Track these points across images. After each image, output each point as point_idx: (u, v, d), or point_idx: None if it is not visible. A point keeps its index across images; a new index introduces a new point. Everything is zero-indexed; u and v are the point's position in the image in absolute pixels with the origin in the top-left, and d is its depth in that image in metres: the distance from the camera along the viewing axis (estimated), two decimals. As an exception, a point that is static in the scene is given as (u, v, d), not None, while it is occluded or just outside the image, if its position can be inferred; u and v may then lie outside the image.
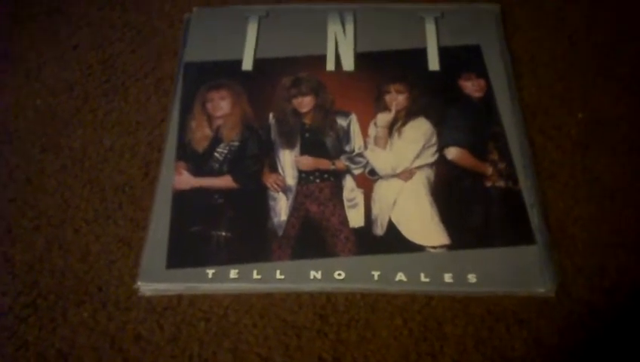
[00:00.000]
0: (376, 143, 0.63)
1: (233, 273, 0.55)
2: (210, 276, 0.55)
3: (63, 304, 0.55)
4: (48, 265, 0.58)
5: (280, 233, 0.58)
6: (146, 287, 0.55)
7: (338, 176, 0.61)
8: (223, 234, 0.58)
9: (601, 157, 0.63)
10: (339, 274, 0.55)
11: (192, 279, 0.55)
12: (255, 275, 0.55)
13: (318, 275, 0.55)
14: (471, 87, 0.67)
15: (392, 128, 0.64)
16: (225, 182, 0.61)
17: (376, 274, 0.55)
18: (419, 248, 0.56)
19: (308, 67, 0.69)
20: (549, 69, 0.70)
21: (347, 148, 0.63)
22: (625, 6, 0.75)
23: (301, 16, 0.73)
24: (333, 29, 0.72)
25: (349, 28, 0.72)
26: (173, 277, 0.55)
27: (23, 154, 0.65)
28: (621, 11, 0.74)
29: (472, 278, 0.54)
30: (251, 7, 0.74)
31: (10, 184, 0.63)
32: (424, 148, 0.63)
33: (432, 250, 0.56)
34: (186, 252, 0.57)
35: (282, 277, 0.55)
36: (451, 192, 0.60)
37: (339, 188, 0.60)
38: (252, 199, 0.60)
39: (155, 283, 0.55)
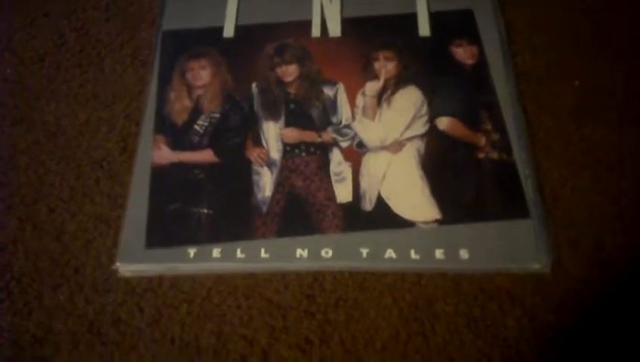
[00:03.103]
0: (364, 114, 0.60)
1: (216, 252, 0.53)
2: (191, 256, 0.53)
3: (38, 287, 0.53)
4: (22, 246, 0.55)
5: (264, 209, 0.55)
6: (125, 268, 0.53)
7: (325, 149, 0.59)
8: (205, 211, 0.55)
9: (598, 127, 0.60)
10: (326, 252, 0.53)
11: (173, 259, 0.53)
12: (239, 254, 0.53)
13: (305, 253, 0.53)
14: (463, 53, 0.64)
15: (381, 98, 0.61)
16: (205, 156, 0.58)
17: (364, 251, 0.53)
18: (409, 224, 0.54)
19: (292, 33, 0.65)
20: (543, 35, 0.67)
21: (334, 120, 0.60)
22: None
23: (284, -20, 0.69)
24: (319, -8, 0.68)
25: (336, -8, 0.68)
26: (153, 257, 0.53)
27: (-7, 128, 0.62)
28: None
29: (464, 254, 0.52)
30: (233, -29, 0.70)
31: (-22, 160, 0.60)
32: (414, 118, 0.60)
33: (422, 226, 0.54)
34: (166, 230, 0.54)
35: (267, 255, 0.53)
36: (443, 164, 0.57)
37: (325, 162, 0.58)
38: (234, 174, 0.57)
39: (135, 263, 0.53)
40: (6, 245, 0.55)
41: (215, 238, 0.54)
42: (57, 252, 0.55)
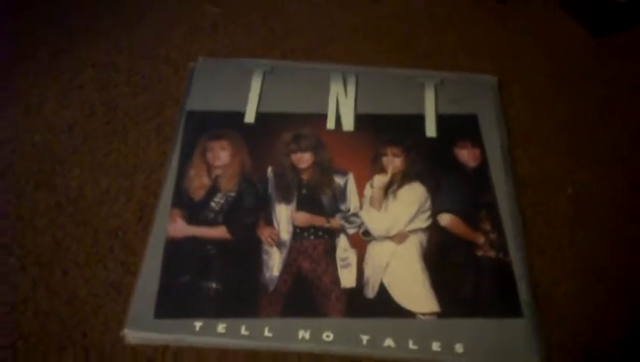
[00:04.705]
0: (371, 204, 0.64)
1: (221, 327, 0.55)
2: (197, 329, 0.55)
3: (44, 348, 0.54)
4: (32, 306, 0.57)
5: (271, 288, 0.58)
6: (133, 336, 0.54)
7: (332, 234, 0.62)
8: (214, 286, 0.57)
9: (589, 234, 0.64)
10: (327, 336, 0.54)
11: (180, 330, 0.55)
12: (243, 331, 0.55)
13: (307, 335, 0.54)
14: (466, 155, 0.68)
15: (388, 190, 0.65)
16: (219, 232, 0.61)
17: (365, 338, 0.54)
18: (409, 314, 0.56)
19: (309, 124, 0.70)
20: (540, 142, 0.72)
21: (343, 207, 0.63)
22: (612, 87, 0.78)
23: (305, 74, 0.75)
24: (336, 88, 0.73)
25: (351, 89, 0.73)
26: (161, 327, 0.55)
27: (16, 189, 0.65)
28: (609, 92, 0.77)
29: (459, 348, 0.54)
30: (257, 61, 0.76)
31: None
32: (418, 212, 0.63)
33: (421, 317, 0.56)
34: (175, 302, 0.56)
35: (270, 334, 0.54)
36: (443, 259, 0.60)
37: (332, 247, 0.61)
38: (245, 252, 0.60)
39: (143, 331, 0.54)
40: (17, 304, 0.57)
41: (221, 313, 0.56)
42: (67, 314, 0.56)
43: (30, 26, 0.81)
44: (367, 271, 0.59)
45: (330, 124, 0.70)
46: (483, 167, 0.67)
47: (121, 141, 0.69)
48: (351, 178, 0.65)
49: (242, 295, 0.57)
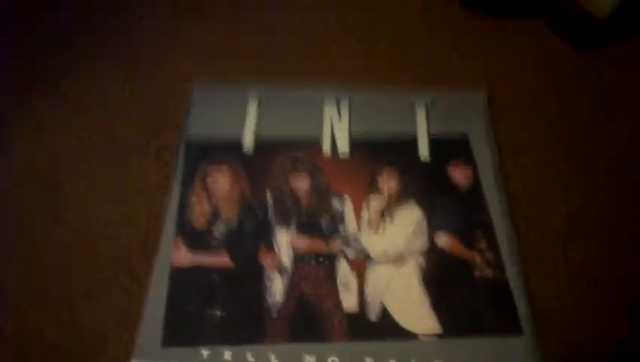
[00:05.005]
0: (369, 226, 0.65)
1: (227, 354, 0.56)
2: (205, 356, 0.56)
3: (54, 381, 0.55)
4: (39, 340, 0.57)
5: (275, 314, 0.59)
6: (140, 365, 0.55)
7: (332, 258, 0.63)
8: (218, 313, 0.58)
9: (583, 249, 0.65)
10: (332, 361, 0.56)
11: (188, 359, 0.56)
12: (249, 358, 0.56)
13: (312, 360, 0.56)
14: (459, 175, 0.70)
15: (384, 212, 0.66)
16: (222, 259, 0.62)
17: (369, 361, 0.56)
18: (411, 335, 0.58)
19: (305, 149, 0.71)
20: (531, 158, 0.73)
21: (341, 230, 0.65)
22: (600, 99, 0.80)
23: (299, 99, 0.76)
24: (330, 113, 0.75)
25: (345, 113, 0.75)
26: (169, 356, 0.56)
27: (19, 218, 0.65)
28: (597, 104, 0.79)
29: (461, 367, 0.56)
30: (252, 87, 0.77)
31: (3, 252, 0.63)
32: (415, 233, 0.65)
33: (423, 338, 0.58)
34: (182, 330, 0.57)
35: (276, 361, 0.56)
36: (442, 280, 0.62)
37: (333, 271, 0.62)
38: (248, 278, 0.61)
39: (150, 361, 0.55)
40: (24, 337, 0.57)
41: (227, 340, 0.57)
42: (74, 347, 0.57)
43: (30, 53, 0.82)
44: (368, 295, 0.61)
45: (326, 148, 0.72)
46: (476, 186, 0.69)
47: (122, 166, 0.70)
48: (348, 201, 0.67)
49: (246, 321, 0.58)
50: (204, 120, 0.74)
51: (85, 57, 0.81)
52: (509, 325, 0.59)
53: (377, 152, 0.71)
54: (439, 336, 0.58)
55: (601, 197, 0.70)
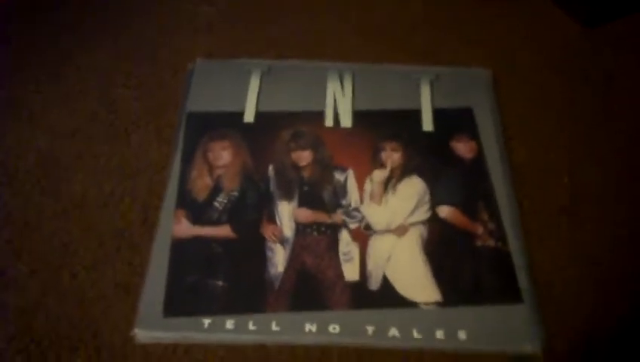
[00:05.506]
0: (371, 198, 0.65)
1: (229, 323, 0.56)
2: (206, 326, 0.56)
3: (57, 350, 0.55)
4: (43, 311, 0.58)
5: (276, 284, 0.59)
6: (143, 335, 0.56)
7: (334, 229, 0.63)
8: (220, 283, 0.59)
9: (586, 223, 0.65)
10: (334, 328, 0.56)
11: (189, 328, 0.56)
12: (251, 326, 0.56)
13: (314, 328, 0.56)
14: (463, 148, 0.70)
15: (387, 185, 0.66)
16: (223, 231, 0.62)
17: (370, 329, 0.56)
18: (412, 304, 0.58)
19: (307, 122, 0.71)
20: (536, 133, 0.73)
21: (344, 203, 0.65)
22: (607, 76, 0.79)
23: (302, 72, 0.76)
24: (333, 86, 0.74)
25: (348, 86, 0.75)
26: (170, 325, 0.56)
27: (22, 196, 0.66)
28: (603, 81, 0.79)
29: (462, 335, 0.56)
30: (254, 62, 0.77)
31: (7, 226, 0.63)
32: (418, 205, 0.65)
33: (424, 307, 0.58)
34: (183, 300, 0.57)
35: (278, 329, 0.56)
36: (443, 250, 0.62)
37: (335, 242, 0.62)
38: (250, 249, 0.61)
39: (152, 331, 0.56)
40: (27, 309, 0.58)
41: (229, 310, 0.57)
42: (77, 316, 0.57)
43: (31, 34, 0.82)
44: (370, 264, 0.61)
45: (329, 122, 0.71)
46: (479, 159, 0.69)
47: (123, 144, 0.70)
48: (351, 174, 0.67)
49: (248, 291, 0.58)
50: (206, 96, 0.74)
51: (86, 38, 0.81)
52: (509, 294, 0.58)
53: (381, 126, 0.71)
54: (440, 305, 0.58)
55: (605, 172, 0.69)
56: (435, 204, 0.65)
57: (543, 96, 0.77)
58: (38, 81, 0.76)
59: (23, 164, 0.68)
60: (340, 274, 0.60)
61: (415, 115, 0.72)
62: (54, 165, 0.68)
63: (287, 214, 0.64)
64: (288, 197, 0.65)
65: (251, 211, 0.64)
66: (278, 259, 0.61)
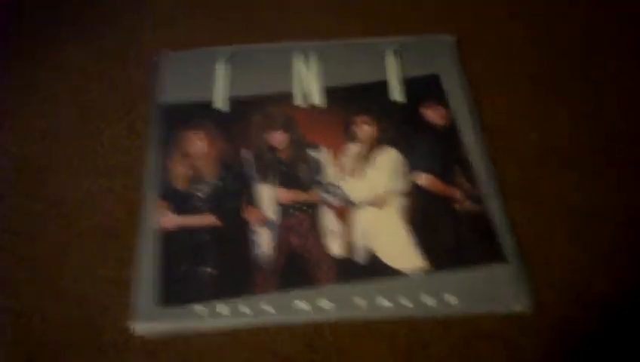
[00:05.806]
0: (349, 173, 0.66)
1: (222, 308, 0.57)
2: (200, 313, 0.57)
3: (57, 351, 0.56)
4: (39, 314, 0.58)
5: (264, 266, 0.60)
6: (140, 327, 0.56)
7: (316, 207, 0.64)
8: (209, 270, 0.59)
9: (561, 176, 0.67)
10: (324, 304, 0.57)
11: (184, 316, 0.57)
12: (243, 309, 0.57)
13: (304, 306, 0.57)
14: (433, 115, 0.71)
15: (363, 158, 0.67)
16: (208, 220, 0.63)
17: (359, 301, 0.57)
18: (399, 273, 0.59)
19: (277, 103, 0.71)
20: (503, 92, 0.74)
21: (321, 179, 0.66)
22: (574, 33, 0.81)
23: (267, 55, 0.76)
24: (298, 66, 0.75)
25: (313, 64, 0.75)
26: (166, 315, 0.57)
27: (1, 202, 0.65)
28: (571, 37, 0.80)
29: (451, 299, 0.57)
30: (218, 49, 0.76)
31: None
32: (395, 176, 0.66)
33: (410, 275, 0.59)
34: (175, 290, 0.58)
35: (269, 309, 0.57)
36: (424, 217, 0.63)
37: (318, 219, 0.63)
38: (235, 235, 0.62)
39: (148, 322, 0.57)
40: (22, 313, 0.58)
41: (219, 295, 0.58)
42: (75, 317, 0.58)
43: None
44: (354, 238, 0.62)
45: (298, 101, 0.72)
46: (451, 124, 0.70)
47: (96, 142, 0.70)
48: (325, 150, 0.67)
49: (237, 275, 0.59)
50: (174, 87, 0.73)
51: (51, 39, 0.80)
52: (492, 254, 0.60)
53: (350, 100, 0.72)
54: (426, 271, 0.59)
55: (579, 126, 0.71)
56: (411, 172, 0.66)
57: (506, 54, 0.78)
58: (5, 85, 0.75)
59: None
60: (326, 250, 0.61)
61: (383, 86, 0.73)
62: (30, 168, 0.68)
63: (267, 197, 0.64)
64: (268, 179, 0.65)
65: (233, 197, 0.64)
66: (264, 241, 0.62)
